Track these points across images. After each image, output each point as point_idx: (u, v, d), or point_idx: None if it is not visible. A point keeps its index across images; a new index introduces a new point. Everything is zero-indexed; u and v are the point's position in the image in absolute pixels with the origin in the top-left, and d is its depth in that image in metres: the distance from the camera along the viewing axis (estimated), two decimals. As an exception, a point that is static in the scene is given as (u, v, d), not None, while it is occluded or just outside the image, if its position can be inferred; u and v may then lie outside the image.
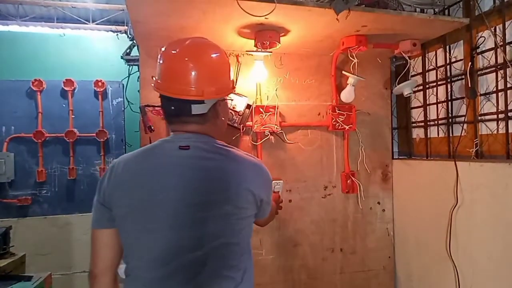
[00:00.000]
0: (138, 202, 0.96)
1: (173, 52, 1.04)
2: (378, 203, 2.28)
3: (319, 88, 2.18)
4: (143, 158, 1.02)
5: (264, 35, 1.72)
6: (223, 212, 0.98)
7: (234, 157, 1.06)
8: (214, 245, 0.97)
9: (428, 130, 2.12)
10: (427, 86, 2.12)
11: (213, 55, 1.07)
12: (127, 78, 2.51)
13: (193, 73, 1.00)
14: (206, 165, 1.00)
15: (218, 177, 1.00)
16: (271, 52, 1.85)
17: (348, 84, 2.03)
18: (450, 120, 1.96)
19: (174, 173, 0.98)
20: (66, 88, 2.89)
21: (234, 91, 1.20)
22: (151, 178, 0.98)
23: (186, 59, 1.03)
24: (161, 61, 1.04)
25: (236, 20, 1.60)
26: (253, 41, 1.80)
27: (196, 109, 1.01)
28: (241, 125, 1.99)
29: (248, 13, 1.42)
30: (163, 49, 1.06)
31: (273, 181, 1.96)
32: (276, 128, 2.04)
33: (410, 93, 1.93)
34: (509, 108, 1.61)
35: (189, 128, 1.04)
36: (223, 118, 1.12)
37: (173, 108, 1.03)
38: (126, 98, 2.65)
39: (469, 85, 1.76)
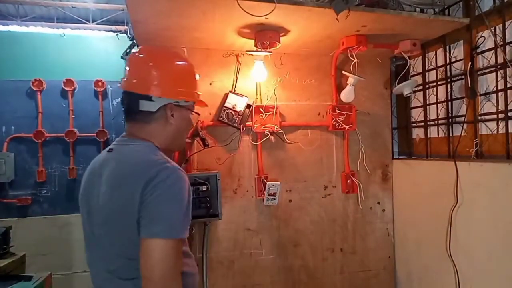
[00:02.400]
0: (79, 202, 1.08)
1: (134, 52, 1.16)
2: (378, 203, 2.28)
3: (319, 88, 2.18)
4: (92, 162, 1.12)
5: (264, 35, 1.72)
6: (119, 220, 0.96)
7: (144, 164, 0.97)
8: (110, 250, 0.99)
9: (428, 130, 2.12)
10: (427, 86, 2.12)
11: (176, 62, 1.15)
12: (127, 78, 2.50)
13: (146, 69, 1.08)
14: (117, 170, 0.99)
15: (118, 183, 0.97)
16: (271, 52, 1.85)
17: (348, 84, 2.03)
18: (450, 120, 1.96)
19: (94, 175, 1.05)
20: (66, 88, 2.89)
21: (191, 102, 1.15)
22: (86, 179, 1.08)
23: (144, 57, 1.13)
24: (128, 59, 1.15)
25: (236, 20, 1.60)
26: (253, 41, 1.80)
27: (142, 105, 1.05)
28: (241, 125, 1.99)
29: (248, 13, 1.42)
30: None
31: (268, 183, 1.99)
32: (276, 128, 2.04)
33: (410, 93, 1.93)
34: (509, 108, 1.61)
35: (134, 128, 1.09)
36: (172, 123, 1.08)
37: (125, 102, 1.09)
38: (126, 98, 2.64)
39: (469, 85, 1.76)
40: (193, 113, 1.18)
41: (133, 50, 1.15)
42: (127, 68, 1.11)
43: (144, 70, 1.09)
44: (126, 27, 3.24)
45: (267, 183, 1.98)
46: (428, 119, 2.12)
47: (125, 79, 1.10)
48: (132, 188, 0.93)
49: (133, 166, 0.98)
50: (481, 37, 1.74)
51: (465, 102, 1.85)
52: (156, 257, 0.88)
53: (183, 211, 0.94)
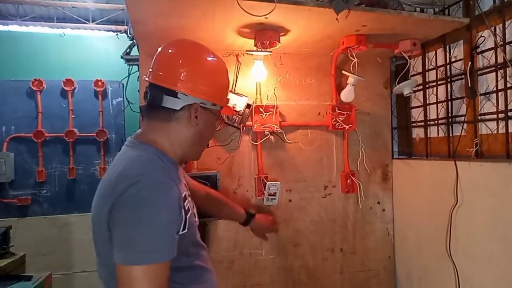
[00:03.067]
0: None
1: (168, 43, 1.07)
2: (378, 203, 2.28)
3: (319, 88, 2.18)
4: None
5: (264, 35, 1.72)
6: (97, 232, 0.94)
7: (120, 175, 0.89)
8: (98, 257, 0.98)
9: (428, 130, 2.12)
10: (427, 86, 2.12)
11: (209, 59, 1.06)
12: (127, 77, 2.51)
13: (175, 63, 1.00)
14: (106, 176, 0.95)
15: (100, 193, 0.94)
16: (271, 52, 1.85)
17: (348, 83, 2.03)
18: (450, 120, 1.95)
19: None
20: (66, 88, 2.89)
21: (220, 106, 1.09)
22: None
23: (174, 50, 1.05)
24: (158, 51, 1.05)
25: (236, 20, 1.60)
26: (253, 41, 1.79)
27: (166, 101, 0.97)
28: (241, 125, 1.99)
29: (248, 13, 1.42)
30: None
31: (268, 183, 1.99)
32: (276, 128, 2.04)
33: (410, 93, 1.93)
34: (509, 108, 1.61)
35: (148, 127, 1.02)
36: (194, 126, 1.01)
37: (148, 95, 1.01)
38: (126, 98, 2.64)
39: (469, 85, 1.75)
40: (218, 119, 1.10)
41: (162, 45, 1.07)
42: (155, 59, 1.04)
43: (173, 64, 1.00)
44: (126, 27, 3.24)
45: (267, 183, 1.98)
46: (428, 119, 2.12)
47: (151, 70, 1.02)
48: (104, 202, 0.88)
49: (112, 175, 0.90)
50: (481, 37, 1.74)
51: (465, 102, 1.85)
52: (127, 285, 0.81)
53: (158, 232, 0.84)
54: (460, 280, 1.75)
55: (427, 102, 2.12)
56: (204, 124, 1.02)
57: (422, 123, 2.15)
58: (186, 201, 1.01)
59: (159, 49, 1.05)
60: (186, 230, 0.95)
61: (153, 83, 1.00)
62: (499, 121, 1.67)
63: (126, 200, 0.83)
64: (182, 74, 0.98)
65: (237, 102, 1.97)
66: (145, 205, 0.83)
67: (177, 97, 0.97)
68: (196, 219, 1.08)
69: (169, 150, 1.00)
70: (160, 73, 1.00)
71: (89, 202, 1.04)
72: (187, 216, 0.97)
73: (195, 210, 1.13)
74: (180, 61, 1.01)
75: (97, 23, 3.32)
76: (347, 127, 2.14)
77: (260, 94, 2.07)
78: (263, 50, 1.80)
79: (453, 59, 1.93)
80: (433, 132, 2.10)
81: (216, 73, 1.07)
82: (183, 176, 1.22)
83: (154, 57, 1.04)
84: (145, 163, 0.92)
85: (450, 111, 1.96)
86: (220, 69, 1.08)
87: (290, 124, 2.11)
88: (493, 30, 1.68)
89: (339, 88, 2.13)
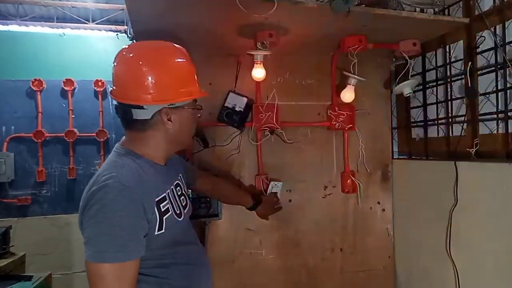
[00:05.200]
0: None
1: (120, 54, 1.05)
2: (378, 203, 2.28)
3: (319, 88, 2.18)
4: None
5: (264, 35, 1.72)
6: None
7: (94, 180, 0.95)
8: None
9: (428, 130, 2.12)
10: (426, 86, 2.12)
11: (164, 60, 1.05)
12: (127, 78, 2.51)
13: (135, 76, 1.00)
14: (92, 178, 0.99)
15: (82, 196, 0.98)
16: (271, 52, 1.84)
17: (348, 84, 2.03)
18: (449, 120, 1.95)
19: None
20: (66, 88, 2.90)
21: (190, 99, 1.07)
22: None
23: (133, 60, 1.03)
24: (116, 64, 1.05)
25: (236, 20, 1.60)
26: (253, 41, 1.79)
27: (136, 114, 1.01)
28: (241, 125, 1.99)
29: (248, 13, 1.42)
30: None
31: (272, 182, 1.98)
32: (276, 128, 2.04)
33: (410, 93, 1.93)
34: (509, 108, 1.61)
35: (129, 136, 1.07)
36: (170, 128, 1.04)
37: (118, 111, 1.04)
38: (126, 98, 2.65)
39: (469, 85, 1.75)
40: (195, 108, 1.10)
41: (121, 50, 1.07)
42: (116, 72, 1.03)
43: (130, 78, 1.00)
44: (126, 27, 3.24)
45: (271, 182, 1.98)
46: (427, 119, 2.12)
47: (115, 87, 1.03)
48: (81, 204, 0.95)
49: (92, 179, 0.97)
50: (481, 37, 1.74)
51: (465, 102, 1.85)
52: (91, 281, 0.87)
53: (121, 233, 0.88)
54: (460, 280, 1.75)
55: (427, 102, 2.12)
56: (180, 121, 1.05)
57: (422, 123, 2.15)
58: (165, 202, 1.03)
59: (117, 59, 1.04)
60: (163, 231, 0.99)
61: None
62: (499, 121, 1.67)
63: (93, 203, 0.89)
64: (145, 87, 0.98)
65: (237, 102, 1.97)
66: (109, 207, 0.88)
67: (144, 108, 1.00)
68: (180, 218, 1.09)
69: (150, 154, 1.05)
70: (124, 90, 1.01)
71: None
72: (164, 217, 1.00)
73: (184, 210, 1.15)
74: (135, 74, 1.00)
75: (97, 23, 3.32)
76: (347, 127, 2.14)
77: (260, 95, 2.07)
78: (263, 50, 1.80)
79: (453, 59, 1.93)
80: (433, 132, 2.10)
81: (180, 73, 1.05)
82: (176, 175, 1.21)
83: (113, 69, 1.04)
84: (118, 168, 0.96)
85: (450, 111, 1.96)
86: (182, 67, 1.07)
87: (290, 124, 2.11)
88: (493, 30, 1.68)
89: (339, 88, 2.13)
